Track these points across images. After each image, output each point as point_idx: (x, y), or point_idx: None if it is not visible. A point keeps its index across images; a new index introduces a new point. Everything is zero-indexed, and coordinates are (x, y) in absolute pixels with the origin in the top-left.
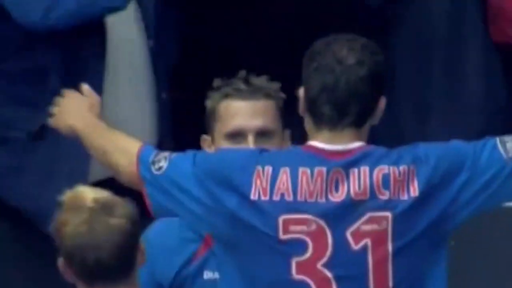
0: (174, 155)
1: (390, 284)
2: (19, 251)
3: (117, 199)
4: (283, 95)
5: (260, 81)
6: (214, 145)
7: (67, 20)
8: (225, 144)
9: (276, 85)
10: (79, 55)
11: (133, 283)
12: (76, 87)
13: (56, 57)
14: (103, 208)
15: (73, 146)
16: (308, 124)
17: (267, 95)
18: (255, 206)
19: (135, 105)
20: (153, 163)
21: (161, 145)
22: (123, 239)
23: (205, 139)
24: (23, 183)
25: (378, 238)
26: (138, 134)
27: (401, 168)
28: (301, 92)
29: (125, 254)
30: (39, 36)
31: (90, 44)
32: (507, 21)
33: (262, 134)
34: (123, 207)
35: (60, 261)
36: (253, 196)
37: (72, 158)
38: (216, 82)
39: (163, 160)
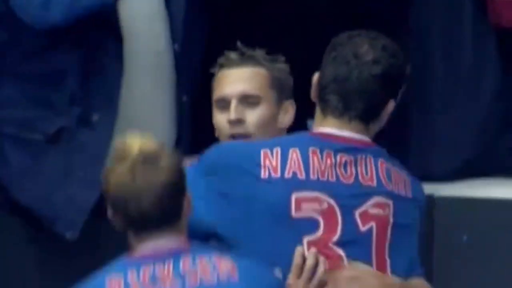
0: None
1: (387, 271)
2: (32, 252)
3: (162, 149)
4: (282, 66)
5: (255, 52)
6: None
7: (65, 13)
8: (216, 113)
9: (272, 58)
10: (95, 56)
11: (180, 232)
12: (92, 88)
13: (73, 59)
14: (147, 158)
15: (89, 151)
16: (317, 111)
17: (257, 63)
18: (266, 184)
19: (155, 106)
20: None
21: (178, 146)
22: (165, 190)
23: None
24: (37, 185)
25: (382, 223)
26: (157, 134)
27: (399, 171)
28: (315, 78)
29: (168, 205)
30: (56, 38)
31: (106, 45)
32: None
33: (245, 99)
34: (168, 158)
35: (109, 211)
36: (263, 175)
37: (87, 162)
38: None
39: None
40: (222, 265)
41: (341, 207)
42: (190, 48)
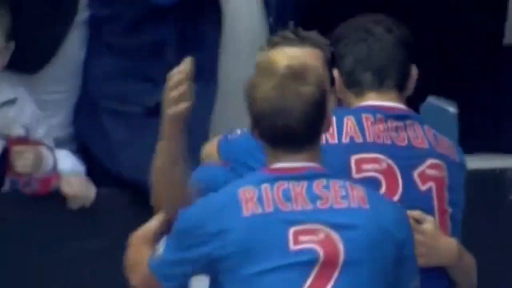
0: None
1: (449, 231)
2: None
3: (309, 66)
4: (331, 49)
5: (309, 32)
6: None
7: None
8: None
9: (325, 40)
10: (195, 29)
11: (317, 152)
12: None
13: (171, 31)
14: (295, 75)
15: (189, 124)
16: (348, 100)
17: (314, 44)
18: (324, 150)
19: None
20: None
21: None
22: (311, 107)
23: None
24: (137, 157)
25: (440, 184)
26: None
27: (443, 136)
28: (335, 73)
29: (312, 122)
30: (154, 11)
31: (205, 18)
32: None
33: None
34: (315, 74)
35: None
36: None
37: (187, 135)
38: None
39: None
40: (355, 192)
41: (400, 167)
42: (285, 21)
